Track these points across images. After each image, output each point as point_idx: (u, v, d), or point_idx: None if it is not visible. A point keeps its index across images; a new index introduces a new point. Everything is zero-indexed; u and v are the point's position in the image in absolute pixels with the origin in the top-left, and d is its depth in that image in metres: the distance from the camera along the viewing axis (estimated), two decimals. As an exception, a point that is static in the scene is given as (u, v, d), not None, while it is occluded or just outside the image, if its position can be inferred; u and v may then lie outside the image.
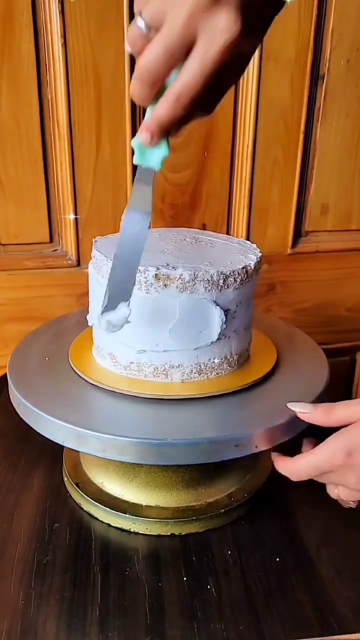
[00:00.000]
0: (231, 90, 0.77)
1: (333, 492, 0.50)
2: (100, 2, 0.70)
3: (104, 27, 0.71)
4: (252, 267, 0.52)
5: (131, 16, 0.71)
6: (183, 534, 0.54)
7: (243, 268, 0.51)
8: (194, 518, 0.54)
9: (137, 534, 0.54)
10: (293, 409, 0.49)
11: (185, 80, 0.38)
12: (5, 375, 0.56)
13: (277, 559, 0.51)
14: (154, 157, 0.43)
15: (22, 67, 0.71)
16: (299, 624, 0.45)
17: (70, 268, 0.83)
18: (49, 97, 0.74)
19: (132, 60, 0.73)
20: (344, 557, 0.52)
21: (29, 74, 0.72)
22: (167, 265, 0.49)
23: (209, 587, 0.48)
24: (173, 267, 0.49)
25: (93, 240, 0.56)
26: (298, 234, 0.89)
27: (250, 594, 0.48)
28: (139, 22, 0.39)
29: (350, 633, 0.45)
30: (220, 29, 0.36)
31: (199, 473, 0.56)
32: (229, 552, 0.52)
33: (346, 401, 0.48)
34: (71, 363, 0.56)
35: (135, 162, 0.43)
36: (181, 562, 0.51)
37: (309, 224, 0.89)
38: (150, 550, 0.52)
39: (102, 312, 0.44)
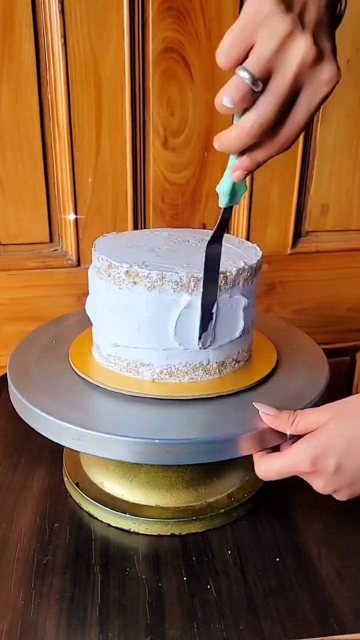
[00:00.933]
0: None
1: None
2: (100, 2, 0.70)
3: (104, 27, 0.71)
4: (233, 274, 0.50)
5: (131, 16, 0.71)
6: (183, 534, 0.54)
7: (221, 274, 0.50)
8: (194, 518, 0.54)
9: (137, 534, 0.54)
10: (257, 407, 0.49)
11: (292, 128, 0.42)
12: (5, 375, 0.56)
13: (277, 559, 0.51)
14: (238, 196, 0.47)
15: (22, 67, 0.71)
16: (299, 624, 0.45)
17: (70, 268, 0.83)
18: (49, 97, 0.74)
19: (132, 60, 0.73)
20: (344, 557, 0.52)
21: (29, 74, 0.72)
22: (142, 263, 0.50)
23: (209, 587, 0.48)
24: (146, 266, 0.49)
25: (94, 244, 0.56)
26: (298, 234, 0.89)
27: (250, 594, 0.48)
28: (244, 75, 0.39)
29: (350, 633, 0.45)
30: (325, 81, 0.40)
31: (199, 473, 0.56)
32: (229, 552, 0.52)
33: (311, 409, 0.48)
34: (72, 363, 0.56)
35: (222, 205, 0.47)
36: (181, 562, 0.51)
37: (309, 224, 0.89)
38: (150, 550, 0.52)
39: (200, 335, 0.50)
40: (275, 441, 0.49)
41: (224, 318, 0.51)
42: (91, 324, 0.57)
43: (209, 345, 0.51)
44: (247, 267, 0.51)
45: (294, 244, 0.89)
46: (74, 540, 0.53)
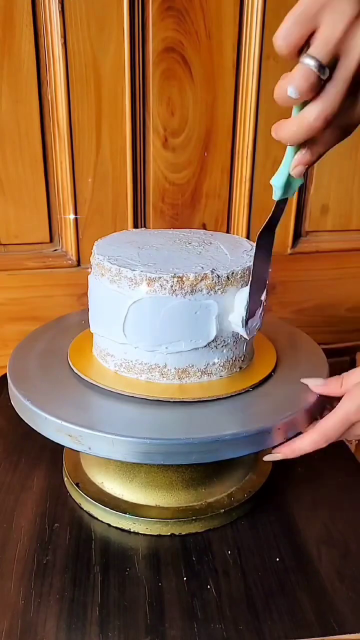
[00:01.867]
0: (231, 90, 0.77)
1: (353, 434, 0.50)
2: (100, 2, 0.70)
3: (104, 27, 0.71)
4: (190, 279, 0.49)
5: (131, 16, 0.71)
6: (183, 534, 0.54)
7: (195, 274, 0.49)
8: (194, 518, 0.54)
9: (137, 534, 0.54)
10: (306, 382, 0.52)
11: (357, 115, 0.40)
12: (5, 375, 0.56)
13: (277, 559, 0.51)
14: (294, 189, 0.46)
15: (22, 67, 0.71)
16: (299, 624, 0.45)
17: (70, 268, 0.83)
18: (49, 97, 0.74)
19: (132, 61, 0.73)
20: (344, 557, 0.52)
21: (29, 74, 0.72)
22: (115, 257, 0.51)
23: (209, 587, 0.48)
24: (115, 261, 0.50)
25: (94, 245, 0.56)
26: (298, 234, 0.89)
27: (250, 594, 0.48)
28: (310, 62, 0.37)
29: (350, 633, 0.45)
30: None
31: (199, 473, 0.56)
32: (229, 552, 0.52)
33: (354, 369, 0.50)
34: (70, 363, 0.56)
35: (276, 198, 0.46)
36: (181, 562, 0.51)
37: (309, 224, 0.89)
38: (150, 550, 0.52)
39: (246, 321, 0.50)
40: (278, 440, 0.49)
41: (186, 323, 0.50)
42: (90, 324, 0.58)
43: (253, 335, 0.52)
44: (211, 274, 0.49)
45: (294, 244, 0.89)
46: (74, 540, 0.53)
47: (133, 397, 0.51)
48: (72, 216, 0.80)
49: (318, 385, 0.52)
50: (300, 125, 0.39)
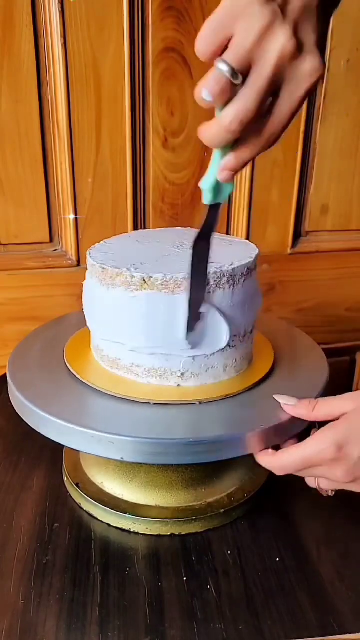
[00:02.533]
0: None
1: (312, 482, 0.50)
2: (100, 2, 0.70)
3: (103, 27, 0.71)
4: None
5: (131, 16, 0.71)
6: (183, 534, 0.54)
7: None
8: (194, 518, 0.54)
9: (137, 534, 0.54)
10: (278, 400, 0.50)
11: (276, 122, 0.40)
12: (5, 375, 0.56)
13: (277, 559, 0.51)
14: (224, 194, 0.45)
15: (22, 67, 0.71)
16: (299, 624, 0.45)
17: (70, 268, 0.83)
18: (49, 97, 0.74)
19: (132, 61, 0.73)
20: (344, 557, 0.52)
21: (29, 74, 0.72)
22: (111, 259, 0.51)
23: (208, 587, 0.48)
24: (110, 262, 0.51)
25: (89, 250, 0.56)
26: (298, 234, 0.89)
27: (250, 594, 0.48)
28: (223, 67, 0.38)
29: (350, 633, 0.45)
30: (306, 75, 0.38)
31: (199, 473, 0.56)
32: (229, 552, 0.52)
33: (329, 397, 0.48)
34: (67, 364, 0.56)
35: (206, 202, 0.45)
36: (181, 562, 0.51)
37: (309, 224, 0.89)
38: (150, 550, 0.52)
39: (187, 334, 0.49)
40: (278, 440, 0.49)
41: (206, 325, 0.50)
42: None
43: (195, 351, 0.51)
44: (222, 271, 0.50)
45: (294, 244, 0.89)
46: (74, 540, 0.53)
47: (134, 398, 0.51)
48: (72, 216, 0.80)
49: (289, 405, 0.49)
50: (219, 128, 0.40)
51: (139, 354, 0.52)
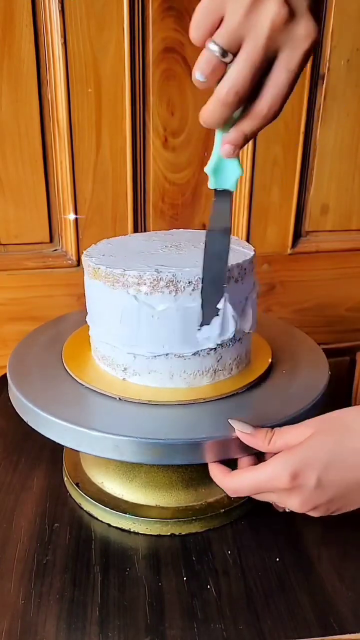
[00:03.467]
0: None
1: (279, 507, 0.49)
2: (100, 1, 0.70)
3: (103, 26, 0.71)
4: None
5: (131, 16, 0.71)
6: (183, 533, 0.54)
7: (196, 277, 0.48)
8: (194, 518, 0.54)
9: (137, 533, 0.54)
10: (233, 425, 0.46)
11: (274, 91, 0.40)
12: (5, 375, 0.56)
13: (277, 559, 0.51)
14: (230, 179, 0.44)
15: (22, 67, 0.71)
16: (299, 624, 0.45)
17: (70, 268, 0.83)
18: (49, 96, 0.74)
19: (132, 60, 0.73)
20: (344, 557, 0.52)
21: (29, 74, 0.72)
22: (112, 262, 0.51)
23: (209, 587, 0.48)
24: (112, 263, 0.50)
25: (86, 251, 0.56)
26: (298, 234, 0.89)
27: (250, 593, 0.48)
28: (214, 47, 0.39)
29: (350, 633, 0.45)
30: (301, 38, 0.38)
31: (199, 473, 0.56)
32: (229, 552, 0.52)
33: (289, 426, 0.46)
34: (65, 365, 0.56)
35: (211, 186, 0.45)
36: (181, 562, 0.51)
37: (309, 224, 0.89)
38: (150, 550, 0.52)
39: (200, 329, 0.49)
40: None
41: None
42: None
43: (208, 345, 0.50)
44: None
45: (294, 244, 0.89)
46: (74, 540, 0.53)
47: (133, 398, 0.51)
48: (72, 216, 0.80)
49: (245, 433, 0.46)
50: (215, 103, 0.40)
51: (138, 355, 0.52)
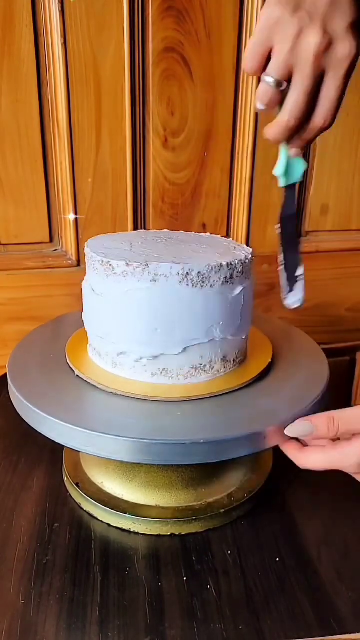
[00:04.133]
0: (231, 90, 0.77)
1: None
2: (100, 2, 0.70)
3: (103, 26, 0.71)
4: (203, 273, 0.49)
5: (131, 16, 0.71)
6: (183, 533, 0.54)
7: (207, 266, 0.49)
8: (194, 518, 0.54)
9: (137, 533, 0.54)
10: (292, 435, 0.48)
11: (327, 105, 0.47)
12: (5, 375, 0.56)
13: (277, 559, 0.51)
14: (298, 173, 0.53)
15: (22, 67, 0.71)
16: (298, 624, 0.45)
17: (70, 268, 0.83)
18: (49, 96, 0.74)
19: (132, 60, 0.73)
20: (344, 557, 0.52)
21: (29, 74, 0.72)
22: (123, 256, 0.51)
23: (208, 587, 0.48)
24: (123, 258, 0.50)
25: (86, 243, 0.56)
26: (298, 234, 0.89)
27: (250, 593, 0.48)
28: (269, 80, 0.46)
29: (350, 633, 0.45)
30: (342, 59, 0.45)
31: (199, 473, 0.56)
32: (229, 552, 0.52)
33: (345, 410, 0.48)
34: (69, 363, 0.56)
35: (281, 185, 0.53)
36: (181, 562, 0.51)
37: (309, 224, 0.89)
38: (150, 550, 0.52)
39: (286, 297, 0.56)
40: (277, 440, 0.49)
41: (216, 318, 0.51)
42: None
43: (298, 307, 0.56)
44: (226, 266, 0.50)
45: (294, 244, 0.89)
46: (74, 540, 0.53)
47: (132, 397, 0.51)
48: (72, 216, 0.80)
49: (308, 434, 0.48)
50: (278, 128, 0.48)
51: (139, 353, 0.52)
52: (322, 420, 0.47)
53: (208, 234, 0.62)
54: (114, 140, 0.77)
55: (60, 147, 0.76)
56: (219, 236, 0.61)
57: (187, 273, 0.48)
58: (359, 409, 0.47)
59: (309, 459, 0.48)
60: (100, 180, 0.79)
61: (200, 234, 0.62)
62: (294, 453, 0.49)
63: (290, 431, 0.48)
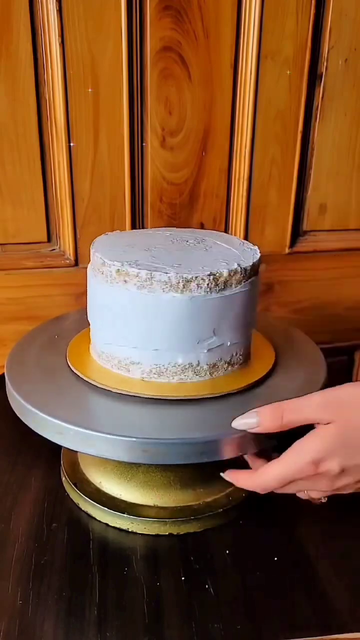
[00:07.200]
0: (229, 90, 0.77)
1: (302, 495, 0.50)
2: (97, 1, 0.70)
3: (101, 26, 0.71)
4: (224, 276, 0.49)
5: (129, 15, 0.71)
6: (181, 533, 0.54)
7: (210, 275, 0.49)
8: (192, 518, 0.54)
9: (135, 533, 0.54)
10: (238, 427, 0.47)
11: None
12: (3, 375, 0.56)
13: (276, 559, 0.51)
14: None
15: (19, 67, 0.71)
16: (297, 624, 0.45)
17: (68, 267, 0.83)
18: (47, 96, 0.74)
19: (130, 60, 0.73)
20: (343, 557, 0.52)
21: (27, 73, 0.72)
22: (134, 262, 0.50)
23: (207, 586, 0.48)
24: (137, 265, 0.49)
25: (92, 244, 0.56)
26: (296, 234, 0.89)
27: (248, 593, 0.48)
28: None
29: (348, 632, 0.45)
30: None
31: (198, 473, 0.56)
32: (227, 551, 0.52)
33: (292, 400, 0.47)
34: (69, 362, 0.56)
35: None
36: (179, 562, 0.51)
37: (307, 224, 0.89)
38: (148, 550, 0.52)
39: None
40: (277, 440, 0.49)
41: (218, 320, 0.51)
42: (89, 323, 0.57)
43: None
44: (240, 269, 0.50)
45: (292, 244, 0.89)
46: (72, 540, 0.53)
47: (131, 396, 0.51)
48: (70, 216, 0.80)
49: (254, 428, 0.47)
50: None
51: (129, 350, 0.51)
52: (267, 410, 0.47)
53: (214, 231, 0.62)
54: (112, 139, 0.77)
55: (58, 147, 0.76)
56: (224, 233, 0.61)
57: (196, 280, 0.48)
58: (303, 400, 0.47)
59: (262, 477, 0.47)
60: (98, 179, 0.79)
61: (203, 231, 0.62)
62: (245, 478, 0.49)
63: (237, 424, 0.47)
